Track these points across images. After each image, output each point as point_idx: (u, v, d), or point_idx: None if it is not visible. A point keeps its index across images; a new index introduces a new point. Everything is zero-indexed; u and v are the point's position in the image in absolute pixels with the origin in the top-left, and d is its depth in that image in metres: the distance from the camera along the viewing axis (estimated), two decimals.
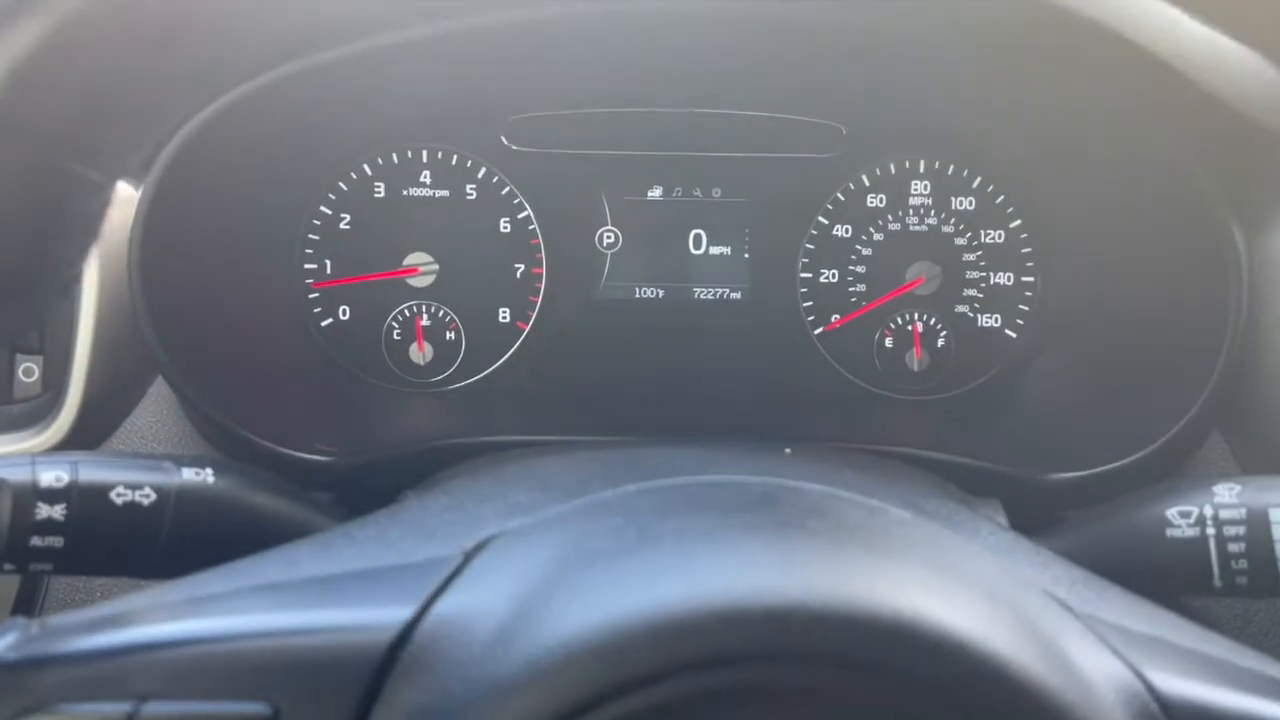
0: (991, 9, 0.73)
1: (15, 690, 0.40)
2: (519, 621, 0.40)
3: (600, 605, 0.39)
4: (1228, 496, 0.64)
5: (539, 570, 0.43)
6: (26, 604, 0.82)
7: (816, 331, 1.07)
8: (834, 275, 1.07)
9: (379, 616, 0.42)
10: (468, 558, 0.46)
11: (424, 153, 1.05)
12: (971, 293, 1.06)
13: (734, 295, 1.08)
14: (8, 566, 0.58)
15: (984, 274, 1.06)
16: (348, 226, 1.05)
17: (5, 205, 0.38)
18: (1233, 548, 0.63)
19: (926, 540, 0.47)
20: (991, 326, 1.06)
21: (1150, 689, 0.41)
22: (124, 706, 0.39)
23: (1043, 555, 0.56)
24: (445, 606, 0.42)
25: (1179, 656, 0.45)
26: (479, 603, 0.42)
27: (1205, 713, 0.41)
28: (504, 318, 1.07)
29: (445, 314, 1.06)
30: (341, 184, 1.04)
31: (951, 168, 1.05)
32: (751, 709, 0.37)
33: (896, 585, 0.39)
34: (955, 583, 0.42)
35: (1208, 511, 0.64)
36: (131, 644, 0.41)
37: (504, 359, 1.07)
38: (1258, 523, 0.62)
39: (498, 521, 0.49)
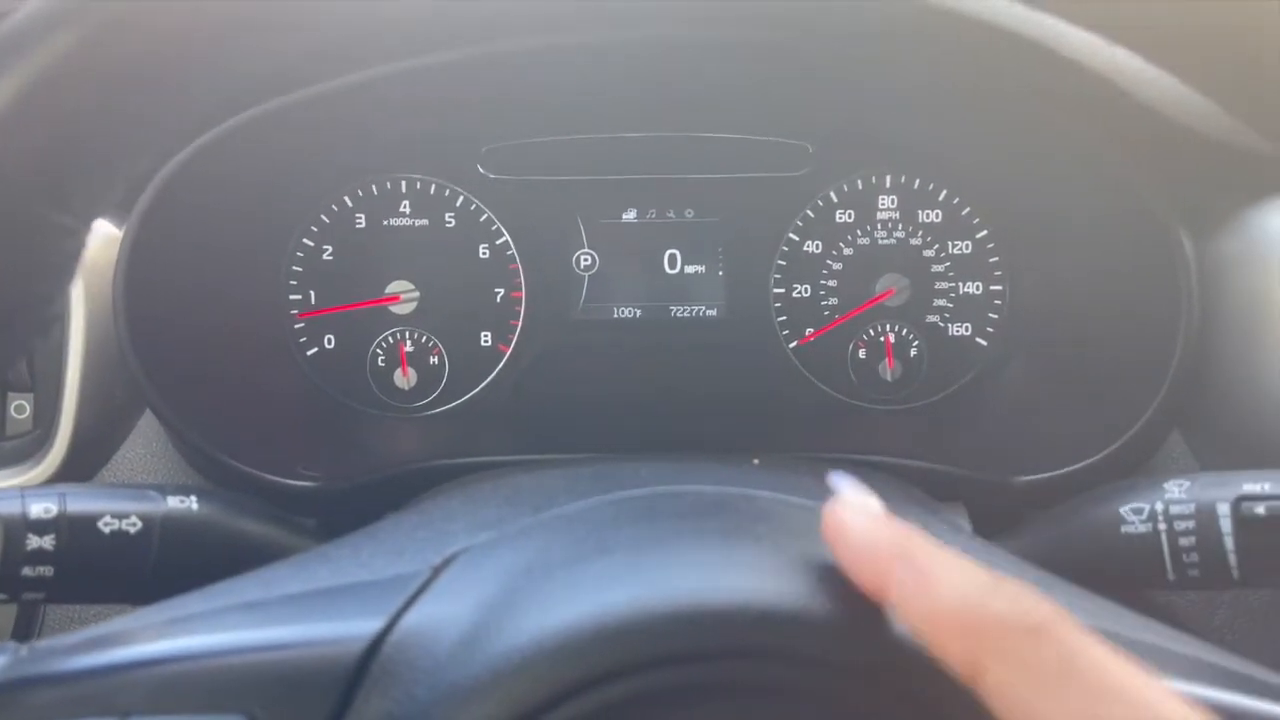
0: (938, 33, 0.76)
1: (5, 710, 0.42)
2: (480, 630, 0.42)
3: (555, 612, 0.41)
4: (1177, 492, 0.66)
5: (500, 581, 0.45)
6: (23, 634, 0.84)
7: (791, 345, 1.10)
8: (806, 290, 1.10)
9: (350, 629, 0.44)
10: (436, 572, 0.48)
11: (403, 183, 1.07)
12: (941, 303, 1.09)
13: (710, 312, 1.10)
14: (1, 596, 0.61)
15: (953, 284, 1.08)
16: (330, 257, 1.07)
17: None
18: (1183, 541, 0.65)
19: None
20: (962, 335, 1.09)
21: None
22: None
23: (994, 554, 0.58)
24: (413, 618, 0.44)
25: (1120, 646, 0.47)
26: (444, 614, 0.44)
27: None
28: (486, 341, 1.10)
29: (428, 339, 1.09)
30: (323, 216, 1.07)
31: (918, 181, 1.08)
32: (701, 707, 0.39)
33: (834, 583, 0.41)
34: None
35: (1159, 507, 0.66)
36: (115, 663, 0.43)
37: (487, 381, 1.09)
38: (1206, 517, 0.64)
39: (466, 537, 0.52)
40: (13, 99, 0.39)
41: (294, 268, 1.07)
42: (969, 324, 1.09)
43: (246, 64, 0.47)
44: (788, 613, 0.40)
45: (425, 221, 1.08)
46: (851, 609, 0.40)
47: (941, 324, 1.09)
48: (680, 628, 0.39)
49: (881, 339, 1.09)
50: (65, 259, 0.42)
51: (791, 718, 0.39)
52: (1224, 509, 0.64)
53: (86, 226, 0.42)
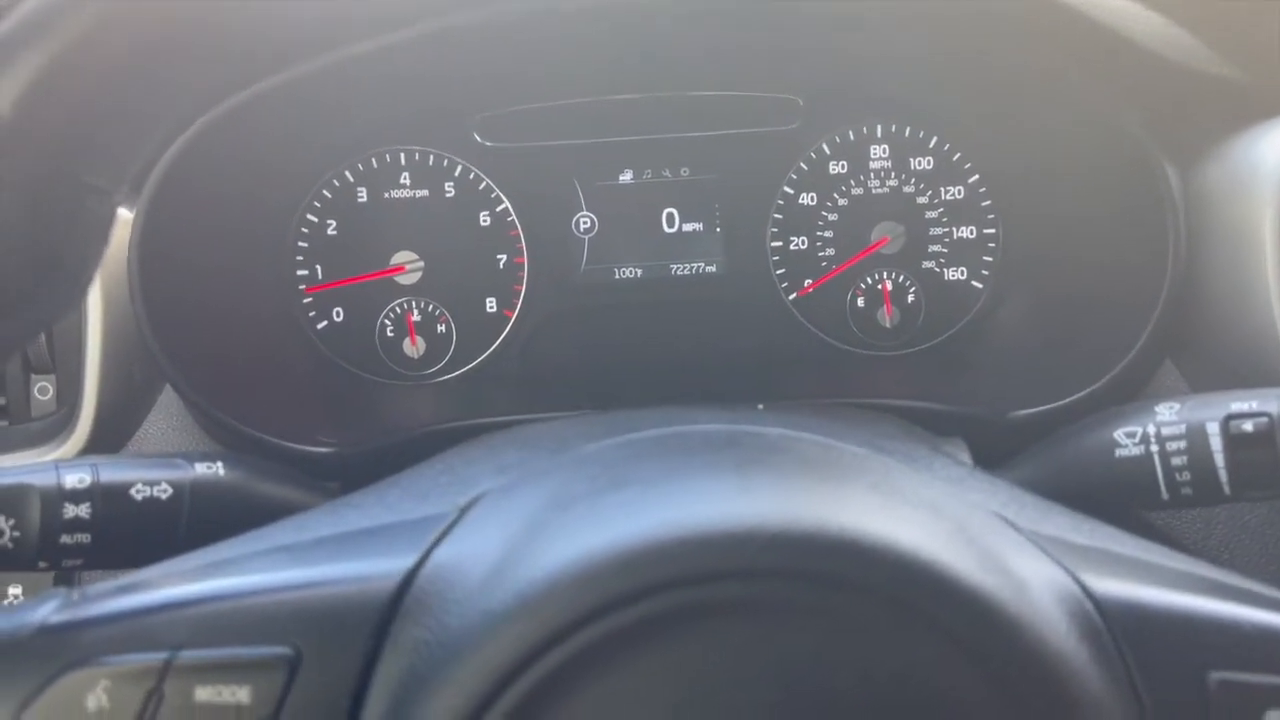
0: None
1: (59, 649, 0.44)
2: (506, 561, 0.44)
3: (577, 541, 0.43)
4: (1168, 415, 0.68)
5: (524, 516, 0.47)
6: None
7: (790, 297, 1.12)
8: (803, 242, 1.11)
9: (384, 566, 0.46)
10: (462, 512, 0.51)
11: (401, 155, 1.09)
12: (936, 248, 1.10)
13: (709, 269, 1.12)
14: (41, 564, 0.63)
15: (947, 229, 1.10)
16: (335, 232, 1.09)
17: (20, 215, 0.42)
18: (1175, 461, 0.67)
19: (877, 470, 0.51)
20: (958, 279, 1.11)
21: (1084, 589, 0.45)
22: (160, 655, 0.43)
23: (995, 485, 0.60)
24: (442, 554, 0.47)
25: (1114, 562, 0.49)
26: (472, 548, 0.46)
27: (1134, 606, 0.45)
28: (491, 307, 1.12)
29: (435, 308, 1.11)
30: (325, 191, 1.08)
31: (908, 130, 1.09)
32: (712, 625, 0.42)
33: (841, 505, 0.44)
34: (898, 502, 0.46)
35: (1151, 430, 0.68)
36: (162, 603, 0.46)
37: (494, 347, 1.12)
38: (1196, 437, 0.67)
39: (488, 480, 0.54)
40: (50, 64, 0.40)
41: (300, 244, 1.09)
42: (964, 268, 1.10)
43: (257, 34, 0.49)
44: (794, 533, 0.42)
45: (425, 192, 1.10)
46: (856, 527, 0.42)
47: (937, 269, 1.11)
48: (694, 550, 0.41)
49: (879, 287, 1.11)
50: (99, 224, 0.44)
51: (802, 636, 0.41)
52: (1213, 428, 0.66)
53: (117, 190, 0.45)
